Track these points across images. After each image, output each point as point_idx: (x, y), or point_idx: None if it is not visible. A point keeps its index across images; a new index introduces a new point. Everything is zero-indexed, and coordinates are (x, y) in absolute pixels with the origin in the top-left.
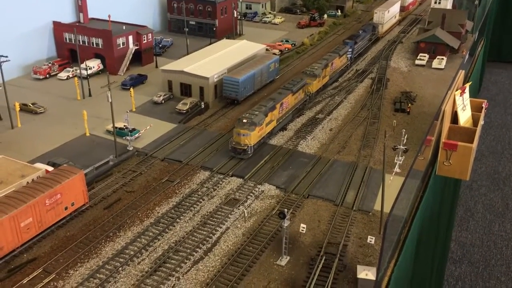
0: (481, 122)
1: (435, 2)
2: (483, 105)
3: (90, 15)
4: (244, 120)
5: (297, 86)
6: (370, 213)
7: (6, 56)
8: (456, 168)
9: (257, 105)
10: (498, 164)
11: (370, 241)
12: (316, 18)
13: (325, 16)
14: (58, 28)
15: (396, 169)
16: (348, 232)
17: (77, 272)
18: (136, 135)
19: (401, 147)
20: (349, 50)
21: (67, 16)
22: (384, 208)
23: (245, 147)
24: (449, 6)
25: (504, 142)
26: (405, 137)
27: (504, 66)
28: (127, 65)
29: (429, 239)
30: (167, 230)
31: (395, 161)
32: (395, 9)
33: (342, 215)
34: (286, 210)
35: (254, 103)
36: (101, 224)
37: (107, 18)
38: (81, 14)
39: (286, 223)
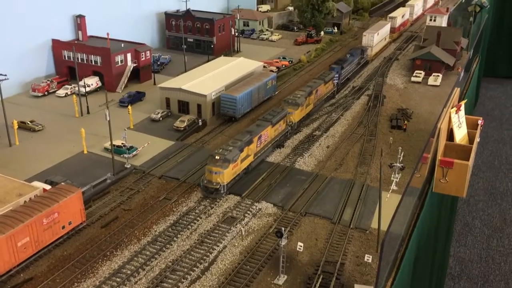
0: (477, 139)
1: (430, 20)
2: (478, 122)
3: (89, 33)
4: (217, 157)
5: (277, 117)
6: (367, 231)
7: (5, 75)
8: (452, 185)
9: (232, 139)
10: (495, 179)
11: (368, 259)
12: (313, 35)
13: (322, 33)
14: (57, 46)
15: (393, 187)
16: (345, 250)
17: None
18: (134, 152)
19: (398, 164)
20: (335, 76)
21: (66, 34)
22: (382, 226)
23: (218, 186)
24: (444, 23)
25: (501, 157)
26: (402, 154)
27: (500, 81)
28: (125, 82)
29: (427, 256)
30: (164, 249)
31: (392, 178)
32: (385, 31)
33: (339, 233)
34: (283, 228)
35: (252, 120)
36: (98, 243)
37: (106, 36)
38: (80, 32)
39: (283, 241)
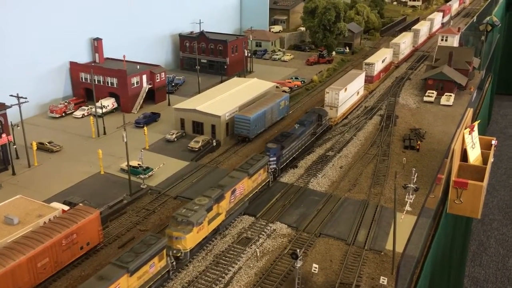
0: (491, 159)
1: (442, 40)
2: (492, 143)
3: (105, 55)
4: None
5: (142, 258)
6: (382, 253)
7: (25, 98)
8: (467, 206)
9: None
10: (509, 198)
11: (383, 281)
12: (324, 55)
13: (334, 53)
14: (75, 68)
15: (407, 208)
16: (360, 272)
17: None
18: (150, 173)
19: (412, 185)
20: (272, 159)
21: (83, 56)
22: (396, 247)
23: None
24: (455, 43)
25: None
26: (415, 175)
27: None
28: (141, 103)
29: (442, 277)
30: (180, 269)
31: (406, 199)
32: (357, 84)
33: (354, 254)
34: (298, 250)
35: (265, 140)
36: None
37: (122, 58)
38: (96, 55)
39: (298, 263)
